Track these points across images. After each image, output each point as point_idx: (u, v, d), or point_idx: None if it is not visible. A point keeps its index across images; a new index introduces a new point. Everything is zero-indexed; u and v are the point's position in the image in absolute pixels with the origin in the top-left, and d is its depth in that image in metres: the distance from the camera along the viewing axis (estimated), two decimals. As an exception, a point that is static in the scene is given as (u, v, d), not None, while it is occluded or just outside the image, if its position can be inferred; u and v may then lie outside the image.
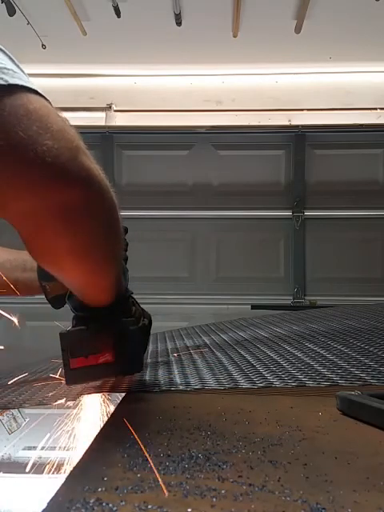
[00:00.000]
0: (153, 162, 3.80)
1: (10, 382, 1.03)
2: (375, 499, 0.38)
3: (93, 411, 0.75)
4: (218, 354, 1.07)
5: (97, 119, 3.81)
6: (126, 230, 0.87)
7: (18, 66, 0.50)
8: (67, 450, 0.65)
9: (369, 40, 3.36)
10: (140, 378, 0.88)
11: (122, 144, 3.84)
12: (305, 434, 0.54)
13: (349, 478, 0.42)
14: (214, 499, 0.38)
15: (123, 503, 0.37)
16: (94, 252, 0.58)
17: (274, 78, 3.83)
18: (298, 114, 3.81)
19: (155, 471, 0.43)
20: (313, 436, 0.54)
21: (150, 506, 0.36)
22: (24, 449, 0.71)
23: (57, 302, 0.92)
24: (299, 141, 3.77)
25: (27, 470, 0.59)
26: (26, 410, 0.80)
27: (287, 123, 3.81)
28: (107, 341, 0.68)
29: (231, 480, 0.42)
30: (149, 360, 1.09)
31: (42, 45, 3.26)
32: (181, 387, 0.79)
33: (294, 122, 3.80)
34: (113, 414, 0.67)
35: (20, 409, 0.80)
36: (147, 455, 0.47)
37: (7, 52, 0.50)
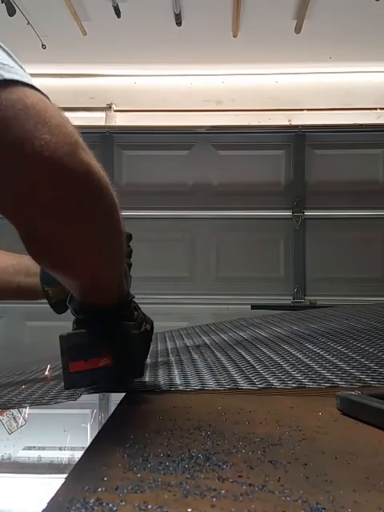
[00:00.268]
0: (153, 162, 3.80)
1: (9, 382, 1.03)
2: (375, 499, 0.38)
3: (93, 411, 0.75)
4: (218, 354, 1.07)
5: (97, 119, 3.81)
6: (130, 237, 0.85)
7: (15, 61, 0.49)
8: (67, 449, 0.65)
9: (369, 40, 3.37)
10: (140, 378, 0.88)
11: (122, 144, 3.84)
12: (305, 434, 0.54)
13: (349, 477, 0.42)
14: (214, 499, 0.38)
15: (123, 503, 0.37)
16: (94, 249, 0.57)
17: (274, 78, 3.83)
18: (297, 114, 3.82)
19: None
20: (313, 436, 0.54)
21: (149, 506, 0.36)
22: (24, 449, 0.71)
23: (59, 307, 0.91)
24: (299, 141, 3.77)
25: (27, 470, 0.59)
26: (26, 410, 0.80)
27: (287, 123, 3.82)
28: (107, 344, 0.67)
29: (231, 480, 0.42)
30: (149, 360, 1.09)
31: (42, 45, 3.26)
32: (181, 387, 0.79)
33: (294, 122, 3.80)
34: (113, 414, 0.67)
35: (20, 409, 0.80)
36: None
37: (4, 47, 0.50)
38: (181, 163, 3.81)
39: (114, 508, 0.36)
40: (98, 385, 0.72)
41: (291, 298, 3.72)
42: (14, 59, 0.49)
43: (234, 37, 3.34)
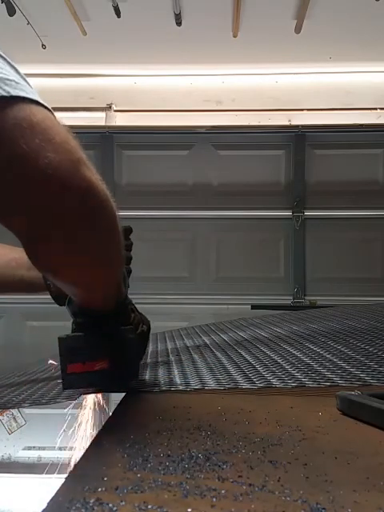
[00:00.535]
0: (153, 162, 3.80)
1: (9, 382, 1.03)
2: (375, 499, 0.38)
3: (93, 411, 0.75)
4: (218, 354, 1.07)
5: (97, 119, 3.81)
6: (131, 231, 0.88)
7: (21, 76, 0.50)
8: (67, 449, 0.65)
9: (369, 40, 3.37)
10: (140, 378, 0.88)
11: (122, 144, 3.84)
12: (305, 434, 0.54)
13: (349, 477, 0.42)
14: (214, 499, 0.38)
15: (123, 503, 0.37)
16: (94, 261, 0.59)
17: (274, 78, 3.83)
18: (297, 114, 3.81)
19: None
20: (313, 436, 0.54)
21: (149, 506, 0.36)
22: (24, 449, 0.71)
23: (61, 299, 0.93)
24: (299, 141, 3.77)
25: (27, 470, 0.60)
26: (26, 410, 0.80)
27: (287, 123, 3.82)
28: (104, 348, 0.69)
29: (231, 480, 0.42)
30: (149, 360, 1.09)
31: (42, 45, 3.26)
32: (181, 387, 0.79)
33: (294, 122, 3.80)
34: (113, 414, 0.67)
35: (20, 409, 0.80)
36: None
37: (10, 61, 0.51)
38: (181, 163, 3.81)
39: (114, 508, 0.36)
40: (95, 387, 0.73)
41: (291, 298, 3.72)
42: (19, 73, 0.50)
43: (234, 37, 3.34)
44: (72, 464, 0.48)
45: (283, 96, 3.82)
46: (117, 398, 0.76)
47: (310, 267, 3.75)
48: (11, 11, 2.94)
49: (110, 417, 0.66)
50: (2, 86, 0.46)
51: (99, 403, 0.80)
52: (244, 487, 0.40)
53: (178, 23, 3.19)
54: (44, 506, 0.38)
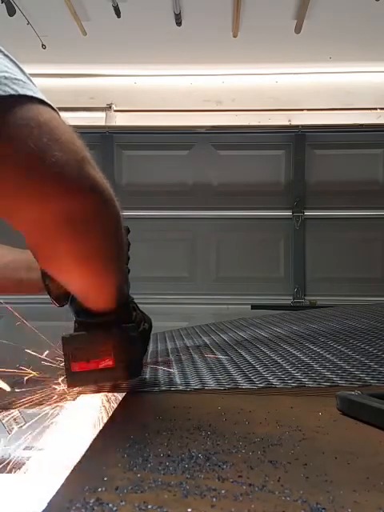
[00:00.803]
0: (153, 162, 3.80)
1: (9, 382, 1.03)
2: (375, 499, 0.38)
3: (93, 411, 0.75)
4: (218, 354, 1.07)
5: (97, 119, 3.81)
6: (128, 231, 0.88)
7: (26, 76, 0.51)
8: (67, 450, 0.65)
9: (369, 40, 3.36)
10: (140, 378, 0.88)
11: (122, 144, 3.84)
12: (305, 434, 0.54)
13: (349, 477, 0.42)
14: (214, 499, 0.38)
15: (123, 503, 0.37)
16: (98, 259, 0.59)
17: (274, 78, 3.83)
18: (298, 114, 3.81)
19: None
20: (313, 436, 0.54)
21: (149, 506, 0.36)
22: (24, 449, 0.71)
23: (60, 300, 0.93)
24: (299, 141, 3.77)
25: (27, 470, 0.59)
26: (26, 410, 0.80)
27: (287, 123, 3.81)
28: (108, 347, 0.69)
29: (231, 480, 0.42)
30: (149, 360, 1.09)
31: (42, 45, 3.25)
32: (181, 387, 0.79)
33: (294, 122, 3.80)
34: (113, 414, 0.67)
35: (20, 409, 0.80)
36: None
37: (16, 61, 0.51)
38: (181, 163, 3.81)
39: (114, 508, 0.36)
40: (99, 384, 0.74)
41: (291, 298, 3.72)
42: (24, 73, 0.51)
43: (234, 37, 3.34)
44: (72, 464, 0.48)
45: (283, 96, 3.82)
46: (117, 398, 0.76)
47: (310, 267, 3.75)
48: (11, 11, 2.94)
49: (110, 417, 0.66)
50: (10, 85, 0.47)
51: (99, 403, 0.80)
52: (244, 487, 0.40)
53: (178, 23, 3.19)
54: (44, 506, 0.38)
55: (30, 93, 0.48)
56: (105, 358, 0.68)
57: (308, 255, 3.75)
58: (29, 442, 0.71)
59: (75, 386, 0.72)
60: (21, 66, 0.52)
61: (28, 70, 0.51)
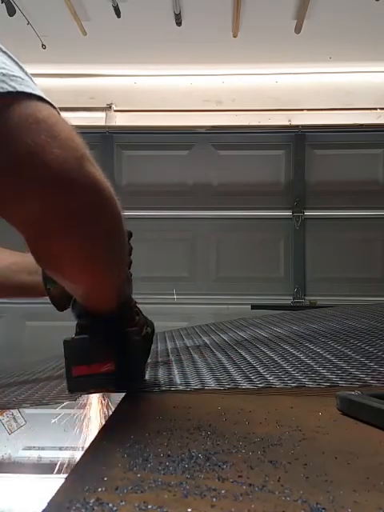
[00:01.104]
0: (153, 162, 3.80)
1: (9, 382, 1.03)
2: (375, 499, 0.38)
3: (93, 411, 0.75)
4: (218, 354, 1.07)
5: (97, 119, 3.81)
6: (131, 235, 0.87)
7: (25, 73, 0.50)
8: (67, 449, 0.65)
9: (369, 40, 3.37)
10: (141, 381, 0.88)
11: (122, 144, 3.84)
12: (305, 434, 0.54)
13: (349, 477, 0.42)
14: (214, 499, 0.38)
15: (123, 503, 0.37)
16: (99, 259, 0.58)
17: (274, 78, 3.83)
18: (298, 114, 3.82)
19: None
20: (313, 436, 0.54)
21: (149, 506, 0.36)
22: (24, 449, 0.71)
23: (61, 304, 0.92)
24: (299, 141, 3.77)
25: (27, 470, 0.59)
26: (26, 410, 0.80)
27: (287, 123, 3.82)
28: (110, 351, 0.68)
29: (231, 480, 0.42)
30: (149, 360, 1.09)
31: (42, 45, 3.26)
32: (181, 387, 0.79)
33: (294, 122, 3.80)
34: (113, 414, 0.67)
35: (20, 409, 0.80)
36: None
37: (14, 58, 0.51)
38: (181, 163, 3.81)
39: (114, 508, 0.36)
40: (100, 389, 0.73)
41: (291, 297, 3.72)
42: (23, 70, 0.51)
43: (234, 37, 3.34)
44: (72, 464, 0.48)
45: (283, 96, 3.82)
46: (117, 397, 0.76)
47: (310, 267, 3.75)
48: (11, 11, 2.94)
49: (110, 417, 0.66)
50: (8, 82, 0.46)
51: (99, 403, 0.80)
52: (244, 487, 0.40)
53: (178, 23, 3.19)
54: (44, 506, 0.38)
55: (28, 90, 0.47)
56: (106, 362, 0.67)
57: (308, 255, 3.75)
58: (29, 442, 0.71)
59: (76, 391, 0.71)
60: (20, 63, 0.51)
61: (28, 70, 0.51)
